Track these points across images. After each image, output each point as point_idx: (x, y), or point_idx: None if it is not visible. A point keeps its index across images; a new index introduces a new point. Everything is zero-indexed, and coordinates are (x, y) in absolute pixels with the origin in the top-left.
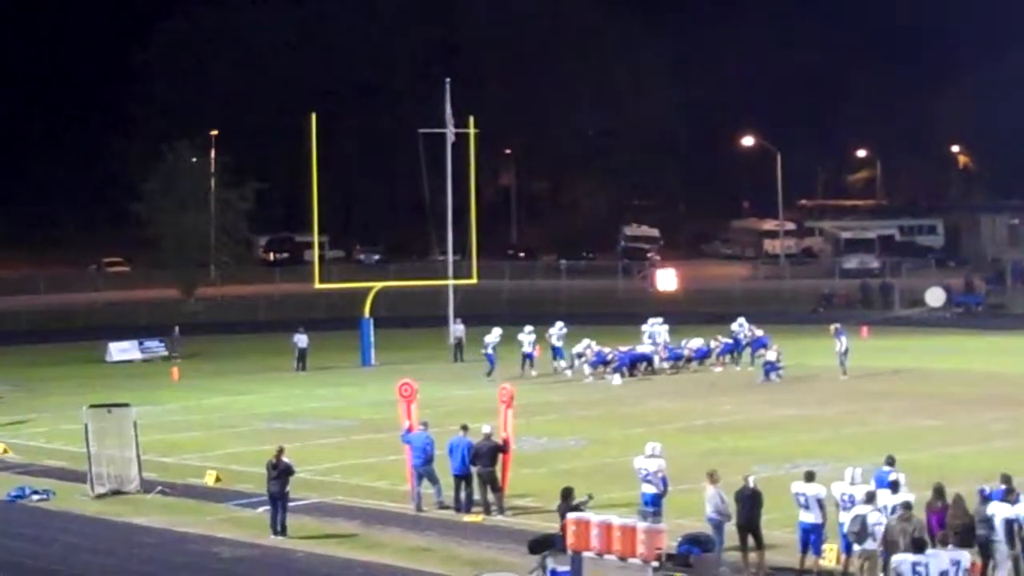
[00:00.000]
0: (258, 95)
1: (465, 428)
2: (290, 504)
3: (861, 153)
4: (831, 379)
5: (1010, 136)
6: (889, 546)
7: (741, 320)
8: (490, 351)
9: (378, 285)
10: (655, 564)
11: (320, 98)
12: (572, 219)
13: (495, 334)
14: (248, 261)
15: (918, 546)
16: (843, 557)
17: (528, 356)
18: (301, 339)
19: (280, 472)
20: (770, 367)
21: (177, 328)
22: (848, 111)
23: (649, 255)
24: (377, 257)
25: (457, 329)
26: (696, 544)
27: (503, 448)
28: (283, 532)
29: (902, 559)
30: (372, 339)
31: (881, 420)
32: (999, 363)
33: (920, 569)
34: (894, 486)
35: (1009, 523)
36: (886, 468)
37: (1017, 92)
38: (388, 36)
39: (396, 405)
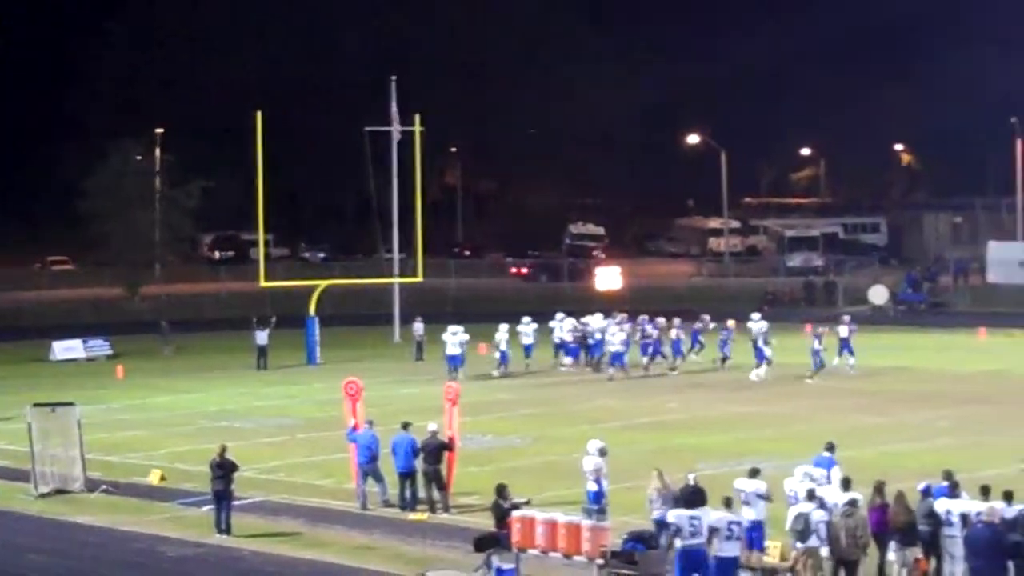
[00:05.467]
0: (204, 93)
1: (406, 426)
2: (235, 503)
3: (805, 151)
4: (776, 377)
5: (953, 135)
6: (832, 542)
7: (620, 317)
8: (504, 348)
9: (323, 283)
10: (600, 561)
11: (266, 96)
12: (518, 217)
13: (503, 331)
14: (193, 259)
15: (689, 503)
16: (790, 553)
17: (526, 348)
18: (261, 336)
19: (224, 471)
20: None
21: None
22: (792, 109)
23: (594, 253)
24: (323, 255)
25: (417, 328)
26: (641, 541)
27: (448, 446)
28: (228, 531)
29: (679, 514)
30: (317, 337)
31: (826, 418)
32: (942, 360)
33: (695, 523)
34: (845, 483)
35: (964, 517)
36: (826, 454)
37: (960, 91)
38: (335, 34)
39: (341, 403)
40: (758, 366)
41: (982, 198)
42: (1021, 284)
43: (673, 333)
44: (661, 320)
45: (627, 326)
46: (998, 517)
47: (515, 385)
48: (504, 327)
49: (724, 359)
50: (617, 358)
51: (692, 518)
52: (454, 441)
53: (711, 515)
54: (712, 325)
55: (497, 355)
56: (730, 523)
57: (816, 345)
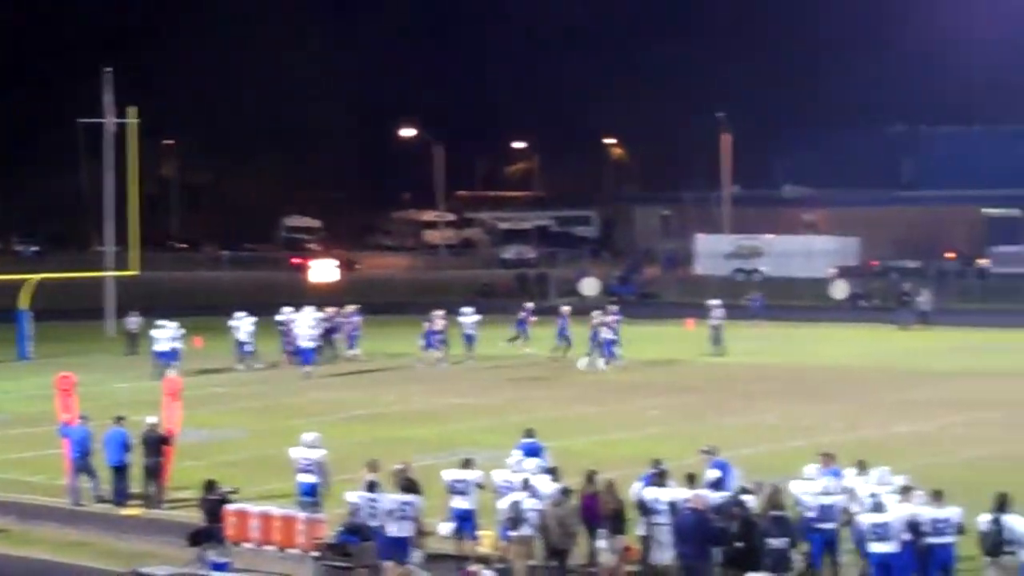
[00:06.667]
0: None
1: (120, 419)
2: None
3: (519, 145)
4: (494, 368)
5: (662, 129)
6: (543, 531)
7: (350, 308)
8: (242, 339)
9: (35, 277)
10: (315, 554)
11: None
12: (234, 210)
13: (246, 322)
14: None
15: (370, 488)
16: (501, 543)
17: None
18: None
19: None
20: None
21: None
22: (507, 104)
23: (309, 246)
24: (35, 248)
25: (132, 322)
26: (355, 533)
27: (167, 440)
28: None
29: (361, 495)
30: (29, 332)
31: (541, 407)
32: (652, 351)
33: (375, 504)
34: (553, 472)
35: (673, 505)
36: (528, 440)
37: (669, 85)
38: (49, 22)
39: (53, 398)
40: (589, 354)
41: (691, 192)
42: (727, 275)
43: (439, 325)
44: (438, 312)
45: (355, 319)
46: (704, 504)
47: (231, 379)
48: (241, 315)
49: (567, 347)
50: (305, 353)
51: (371, 500)
52: (173, 435)
53: (387, 498)
54: (534, 319)
55: (238, 348)
56: (402, 504)
57: (561, 324)
